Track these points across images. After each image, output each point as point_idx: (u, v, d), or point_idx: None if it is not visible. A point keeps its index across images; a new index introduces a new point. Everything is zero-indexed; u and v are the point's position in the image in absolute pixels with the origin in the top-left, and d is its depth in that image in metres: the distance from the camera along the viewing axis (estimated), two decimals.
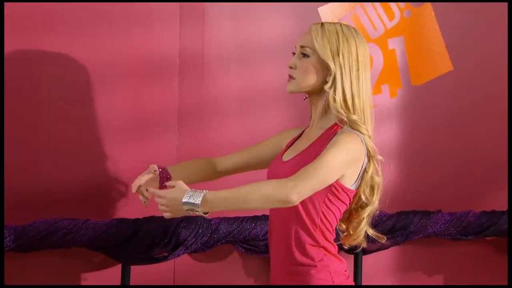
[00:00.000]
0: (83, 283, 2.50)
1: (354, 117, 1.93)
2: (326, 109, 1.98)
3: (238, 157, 2.23)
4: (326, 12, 2.82)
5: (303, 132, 2.10)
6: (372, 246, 2.77)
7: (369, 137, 1.96)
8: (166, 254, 2.48)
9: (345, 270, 1.98)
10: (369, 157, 1.96)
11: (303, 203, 1.90)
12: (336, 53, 1.93)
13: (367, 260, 2.82)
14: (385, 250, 2.83)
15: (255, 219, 2.58)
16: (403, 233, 2.78)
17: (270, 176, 2.04)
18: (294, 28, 2.75)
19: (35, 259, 2.38)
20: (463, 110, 3.03)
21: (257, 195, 1.80)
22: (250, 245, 2.61)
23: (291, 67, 1.99)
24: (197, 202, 1.79)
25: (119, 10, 2.48)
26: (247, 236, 2.56)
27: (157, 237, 2.42)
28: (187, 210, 1.81)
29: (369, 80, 1.99)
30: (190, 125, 2.61)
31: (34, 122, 2.40)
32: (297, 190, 1.79)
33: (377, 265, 2.94)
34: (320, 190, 1.88)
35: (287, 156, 2.03)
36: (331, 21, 2.02)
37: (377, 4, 2.88)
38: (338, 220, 1.97)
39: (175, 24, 2.57)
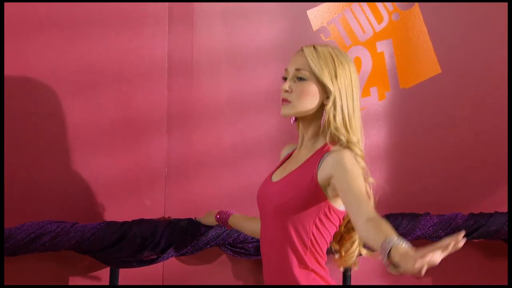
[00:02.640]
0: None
1: (354, 139, 1.94)
2: (321, 131, 1.97)
3: None
4: (315, 15, 2.83)
5: (293, 152, 2.10)
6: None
7: (363, 158, 1.96)
8: (154, 257, 2.48)
9: None
10: None
11: (293, 225, 1.91)
12: (334, 76, 1.94)
13: None
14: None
15: None
16: None
17: (259, 196, 2.05)
18: (284, 31, 2.76)
19: (22, 262, 2.37)
20: (451, 113, 3.04)
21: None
22: (239, 247, 2.60)
23: (286, 91, 1.96)
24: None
25: (109, 13, 2.48)
26: (236, 238, 2.55)
27: (146, 240, 2.42)
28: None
29: (359, 102, 2.02)
30: (179, 128, 2.61)
31: (21, 126, 2.39)
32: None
33: (366, 268, 2.92)
34: (311, 211, 1.90)
35: (276, 177, 2.04)
36: (320, 44, 2.02)
37: (366, 7, 2.89)
38: (328, 243, 1.97)
39: (163, 26, 2.57)
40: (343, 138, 1.93)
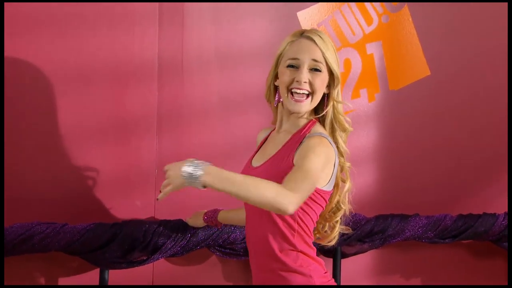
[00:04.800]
0: None
1: (349, 128, 2.00)
2: (308, 116, 1.99)
3: None
4: (305, 16, 2.83)
5: (269, 135, 2.10)
6: (351, 249, 2.79)
7: (344, 141, 2.01)
8: (144, 258, 2.47)
9: (325, 272, 1.98)
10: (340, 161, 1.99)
11: None
12: (338, 65, 1.99)
13: (345, 263, 2.83)
14: (364, 253, 2.84)
15: None
16: (381, 237, 2.79)
17: None
18: (274, 32, 2.76)
19: (12, 264, 2.35)
20: (440, 115, 3.06)
21: (260, 193, 1.69)
22: (228, 248, 2.60)
23: (305, 82, 1.93)
24: (197, 173, 1.66)
25: (100, 13, 2.47)
26: (226, 239, 2.55)
27: (136, 241, 2.41)
28: (186, 179, 1.66)
29: None
30: (170, 129, 2.60)
31: (12, 125, 2.37)
32: (296, 202, 1.72)
33: (356, 269, 2.95)
34: None
35: (256, 162, 2.03)
36: (318, 30, 2.03)
37: (356, 9, 2.90)
38: (315, 222, 1.97)
39: (154, 26, 2.57)
40: (347, 126, 1.99)
